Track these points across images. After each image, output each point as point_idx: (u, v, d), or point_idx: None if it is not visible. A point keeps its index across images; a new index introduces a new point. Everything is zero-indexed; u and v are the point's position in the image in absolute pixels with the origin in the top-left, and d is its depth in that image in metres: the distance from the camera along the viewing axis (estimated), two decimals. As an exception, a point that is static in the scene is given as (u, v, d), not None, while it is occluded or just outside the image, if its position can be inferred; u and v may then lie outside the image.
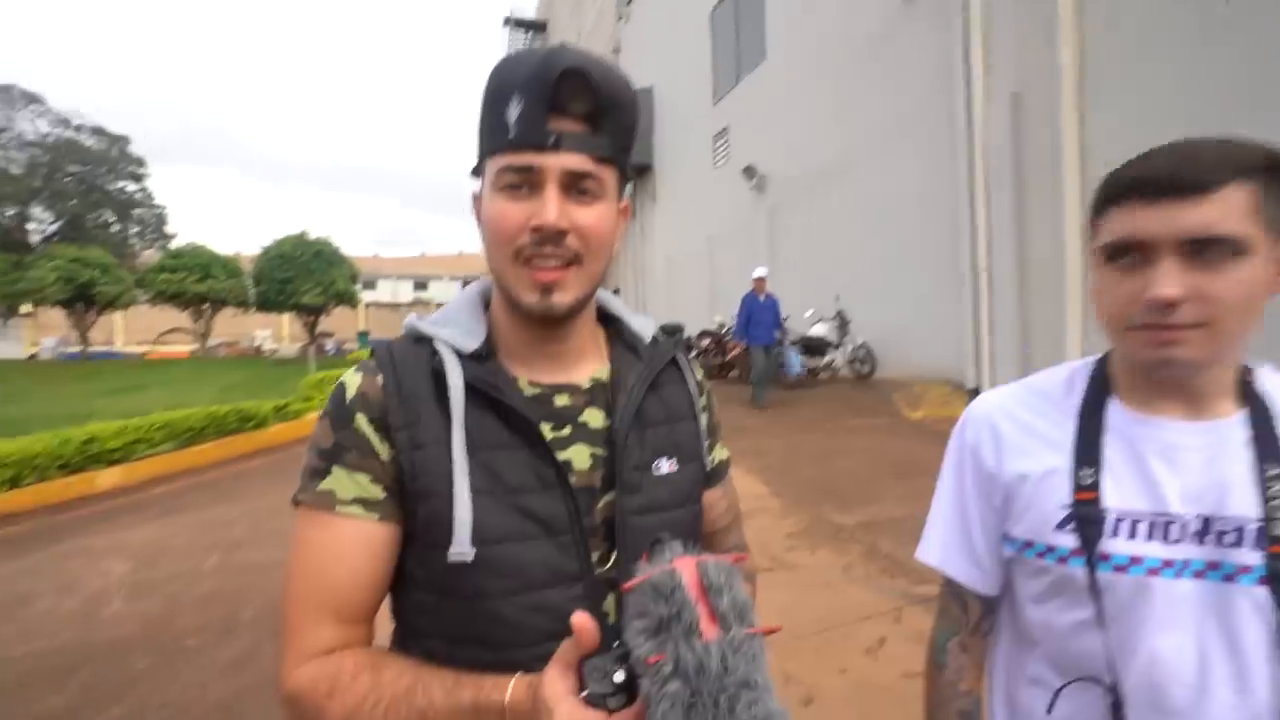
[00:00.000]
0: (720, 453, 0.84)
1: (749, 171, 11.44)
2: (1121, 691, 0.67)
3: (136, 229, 31.45)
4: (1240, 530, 0.64)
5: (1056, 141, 5.78)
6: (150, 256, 29.21)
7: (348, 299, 22.17)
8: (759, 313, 7.96)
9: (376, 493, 0.65)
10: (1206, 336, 0.62)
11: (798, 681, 2.34)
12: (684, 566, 0.51)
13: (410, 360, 0.68)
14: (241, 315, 26.17)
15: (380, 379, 0.67)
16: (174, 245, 27.05)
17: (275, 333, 35.71)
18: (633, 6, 18.38)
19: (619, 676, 0.52)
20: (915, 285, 7.84)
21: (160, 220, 32.33)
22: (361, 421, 0.65)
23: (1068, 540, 0.69)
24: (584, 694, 0.52)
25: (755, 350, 7.96)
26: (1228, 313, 0.62)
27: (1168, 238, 0.62)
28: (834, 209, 9.51)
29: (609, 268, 0.72)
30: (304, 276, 20.91)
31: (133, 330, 33.76)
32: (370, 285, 40.97)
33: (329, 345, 30.14)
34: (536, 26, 29.29)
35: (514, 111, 0.63)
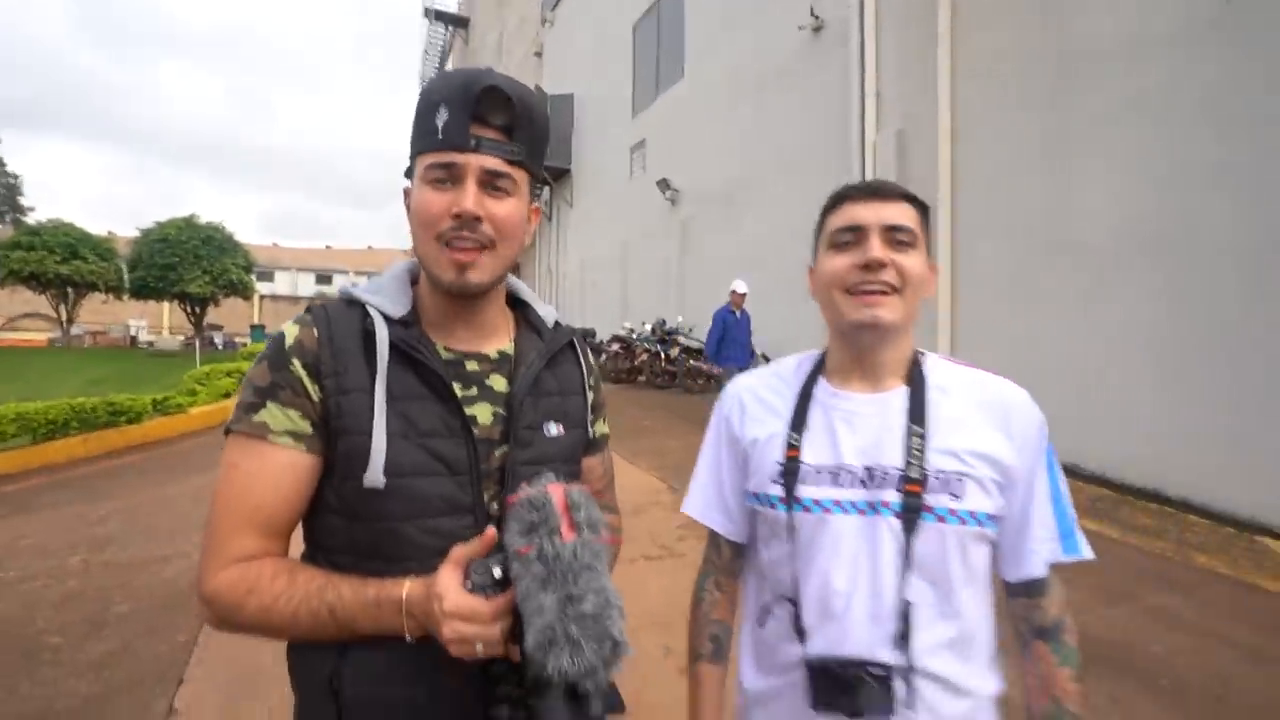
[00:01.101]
0: (602, 428, 0.99)
1: (663, 184, 11.79)
2: (801, 605, 0.85)
3: (-21, 199, 27.95)
4: (888, 475, 0.83)
5: (933, 174, 6.43)
6: (2, 232, 26.05)
7: (241, 290, 20.60)
8: (735, 330, 7.23)
9: (305, 427, 0.75)
10: (899, 301, 0.84)
11: (678, 654, 2.55)
12: (554, 489, 0.67)
13: (343, 320, 0.79)
14: (113, 302, 23.80)
15: (316, 331, 0.77)
16: (33, 220, 24.23)
17: (152, 323, 32.73)
18: (557, 11, 18.47)
19: (497, 572, 0.66)
20: (811, 303, 8.40)
21: (12, 190, 28.85)
22: (296, 366, 0.75)
23: (777, 489, 0.88)
24: (468, 583, 0.67)
25: (729, 373, 6.98)
26: (911, 283, 0.85)
27: (875, 223, 0.86)
28: (743, 226, 10.00)
29: (518, 257, 0.85)
30: (190, 263, 19.27)
31: (-24, 313, 29.95)
32: (267, 276, 38.31)
33: (217, 338, 27.94)
34: (458, 21, 28.68)
35: (441, 119, 0.75)
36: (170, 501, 4.98)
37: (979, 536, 0.83)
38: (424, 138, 0.77)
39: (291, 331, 0.77)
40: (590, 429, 0.94)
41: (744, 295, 7.28)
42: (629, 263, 13.55)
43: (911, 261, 0.85)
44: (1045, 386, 5.78)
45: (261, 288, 26.27)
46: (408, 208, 0.81)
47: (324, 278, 45.90)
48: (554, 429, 0.87)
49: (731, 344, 7.22)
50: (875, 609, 0.81)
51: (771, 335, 8.96)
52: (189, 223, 20.02)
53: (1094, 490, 4.80)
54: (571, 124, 17.02)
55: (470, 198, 0.75)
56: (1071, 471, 5.00)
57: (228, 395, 9.01)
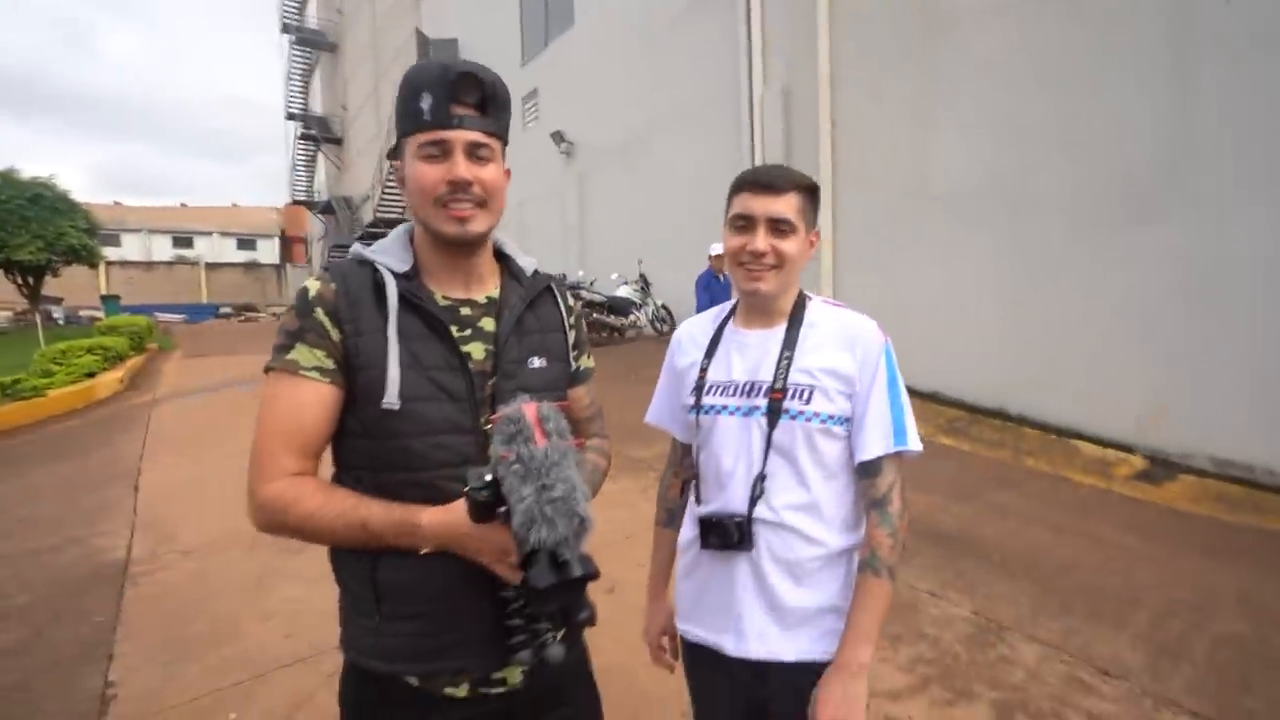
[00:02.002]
0: (586, 362, 1.15)
1: (557, 137, 11.63)
2: (701, 480, 1.20)
3: None
4: (762, 387, 1.14)
5: (815, 130, 6.87)
6: None
7: (85, 256, 18.16)
8: (720, 295, 6.69)
9: (329, 364, 0.90)
10: (776, 276, 1.13)
11: (605, 577, 2.83)
12: (528, 407, 0.82)
13: (355, 275, 0.94)
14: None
15: (334, 285, 0.92)
16: None
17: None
18: (433, -53, 17.24)
19: (488, 477, 0.79)
20: (705, 254, 8.77)
21: None
22: (319, 313, 0.90)
23: (691, 400, 1.21)
24: (466, 489, 0.80)
25: None
26: (788, 263, 1.13)
27: (762, 215, 1.11)
28: (637, 179, 10.13)
29: (501, 212, 1.00)
30: (16, 226, 16.66)
31: None
32: (112, 240, 33.90)
33: (56, 312, 24.60)
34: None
35: (426, 103, 0.90)
36: (41, 490, 4.62)
37: (824, 432, 1.12)
38: (411, 120, 0.92)
39: (314, 286, 0.92)
40: (574, 362, 1.10)
41: (722, 257, 7.25)
42: (526, 215, 13.36)
43: (789, 245, 1.12)
44: (912, 322, 6.48)
45: (107, 253, 23.18)
46: (400, 181, 0.97)
47: (183, 239, 41.28)
48: (537, 362, 1.02)
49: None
50: (747, 480, 1.14)
51: (669, 287, 9.29)
52: (7, 178, 17.13)
53: (953, 413, 5.55)
54: (457, 71, 16.19)
55: (461, 166, 0.90)
56: (934, 397, 5.74)
57: (91, 375, 8.20)
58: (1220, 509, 3.88)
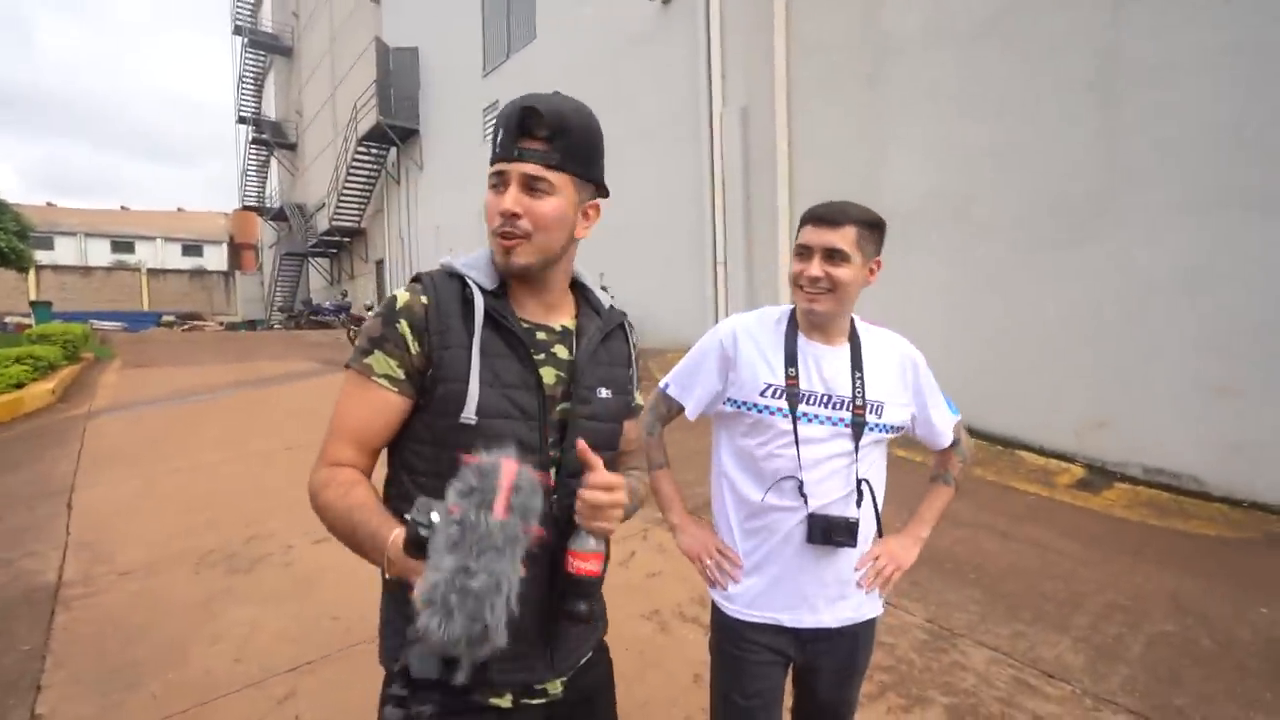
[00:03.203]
0: (640, 399, 1.21)
1: (521, 148, 11.58)
2: (801, 479, 1.30)
3: None
4: (842, 400, 1.32)
5: (772, 150, 7.04)
6: None
7: (15, 259, 17.19)
8: None
9: (399, 374, 0.93)
10: (830, 299, 1.28)
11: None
12: (508, 464, 0.69)
13: (447, 289, 0.97)
14: None
15: (425, 299, 0.95)
16: None
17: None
18: (394, -46, 17.08)
19: (435, 517, 0.69)
20: (668, 267, 8.87)
21: None
22: (403, 324, 0.94)
23: (775, 402, 1.31)
24: (407, 517, 0.71)
25: None
26: (841, 287, 1.28)
27: (819, 246, 1.28)
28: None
29: (564, 246, 1.00)
30: (-62, 229, 15.70)
31: None
32: (45, 243, 32.15)
33: (-22, 320, 23.09)
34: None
35: (499, 136, 0.95)
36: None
37: (888, 441, 1.39)
38: (491, 151, 0.97)
39: (403, 298, 0.96)
40: (633, 396, 1.16)
41: None
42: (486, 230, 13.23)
43: (842, 272, 1.27)
44: (865, 338, 6.69)
45: (39, 257, 21.96)
46: None
47: (123, 244, 39.41)
48: (604, 392, 1.05)
49: None
50: (846, 485, 1.32)
51: (629, 295, 9.35)
52: (-70, 179, 16.19)
53: (903, 423, 5.72)
54: (417, 82, 16.03)
55: (509, 198, 0.94)
56: (887, 409, 5.91)
57: (20, 385, 7.74)
58: (1151, 515, 4.10)
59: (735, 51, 7.61)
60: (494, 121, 0.97)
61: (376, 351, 0.93)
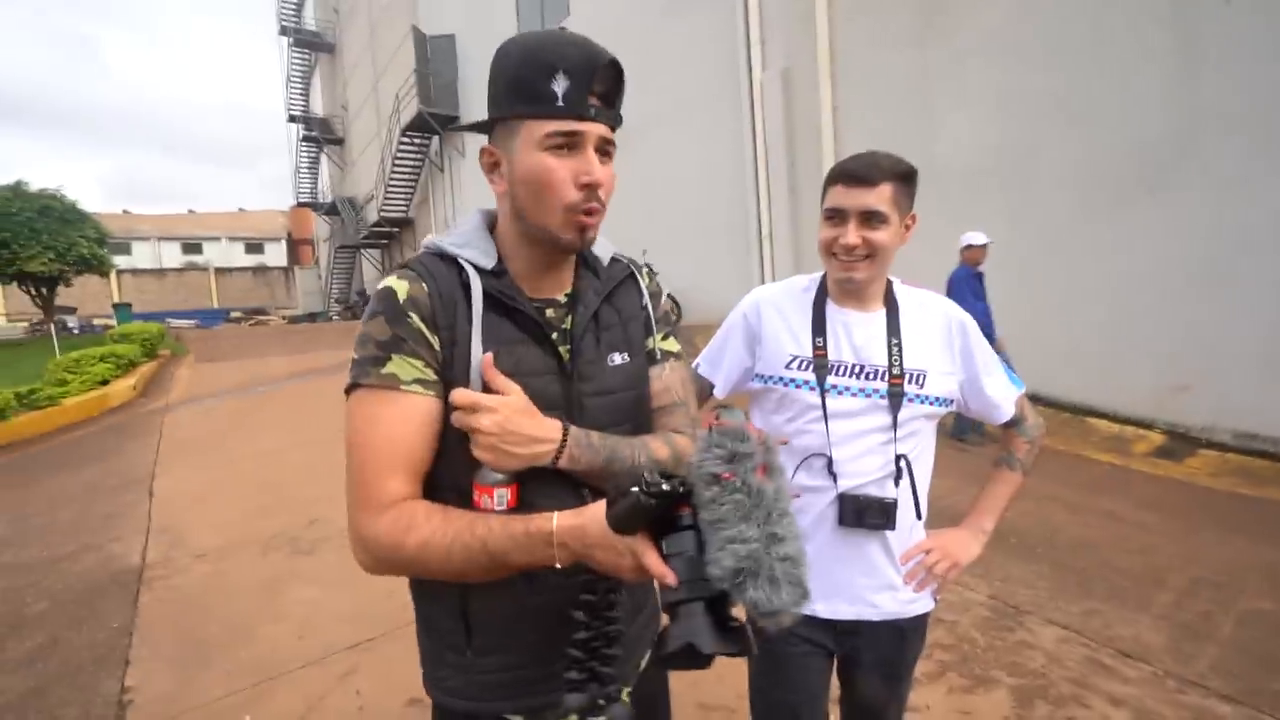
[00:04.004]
0: (665, 343, 0.99)
1: (559, 129, 11.54)
2: (831, 456, 1.19)
3: None
4: (877, 370, 1.19)
5: (816, 114, 6.77)
6: None
7: (96, 265, 18.37)
8: (981, 293, 4.81)
9: (430, 375, 0.79)
10: (869, 264, 1.16)
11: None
12: (752, 429, 0.67)
13: (444, 274, 0.83)
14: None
15: (425, 286, 0.81)
16: None
17: (-12, 310, 28.66)
18: (428, -58, 17.13)
19: (667, 485, 0.64)
20: (710, 240, 8.71)
21: None
22: (414, 319, 0.79)
23: (801, 375, 1.21)
24: (638, 490, 0.64)
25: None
26: (880, 252, 1.15)
27: (854, 209, 1.14)
28: (639, 168, 10.05)
29: None
30: (27, 238, 16.85)
31: None
32: (123, 249, 34.22)
33: (71, 322, 24.87)
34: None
35: (561, 86, 0.76)
36: (60, 498, 4.67)
37: (932, 415, 1.23)
38: (538, 103, 0.78)
39: (401, 287, 0.81)
40: (650, 346, 0.97)
41: (984, 249, 4.81)
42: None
43: (880, 235, 1.15)
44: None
45: (118, 261, 23.39)
46: (488, 167, 0.86)
47: (192, 246, 41.57)
48: (618, 358, 0.91)
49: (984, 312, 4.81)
50: (883, 463, 1.19)
51: (672, 271, 9.24)
52: (17, 191, 17.32)
53: (963, 393, 5.48)
54: (455, 69, 16.13)
55: (596, 165, 0.80)
56: (944, 379, 5.67)
57: (105, 382, 8.28)
58: (1242, 483, 3.81)
59: (774, 14, 7.32)
60: (546, 64, 0.78)
61: (394, 357, 0.78)
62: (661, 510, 0.65)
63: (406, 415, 0.78)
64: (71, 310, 25.78)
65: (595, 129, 0.80)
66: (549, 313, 0.88)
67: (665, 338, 1.00)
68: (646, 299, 0.98)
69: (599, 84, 0.79)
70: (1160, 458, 4.21)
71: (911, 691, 2.13)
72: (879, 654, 1.26)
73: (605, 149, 0.82)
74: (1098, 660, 2.27)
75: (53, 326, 15.76)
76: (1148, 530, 3.27)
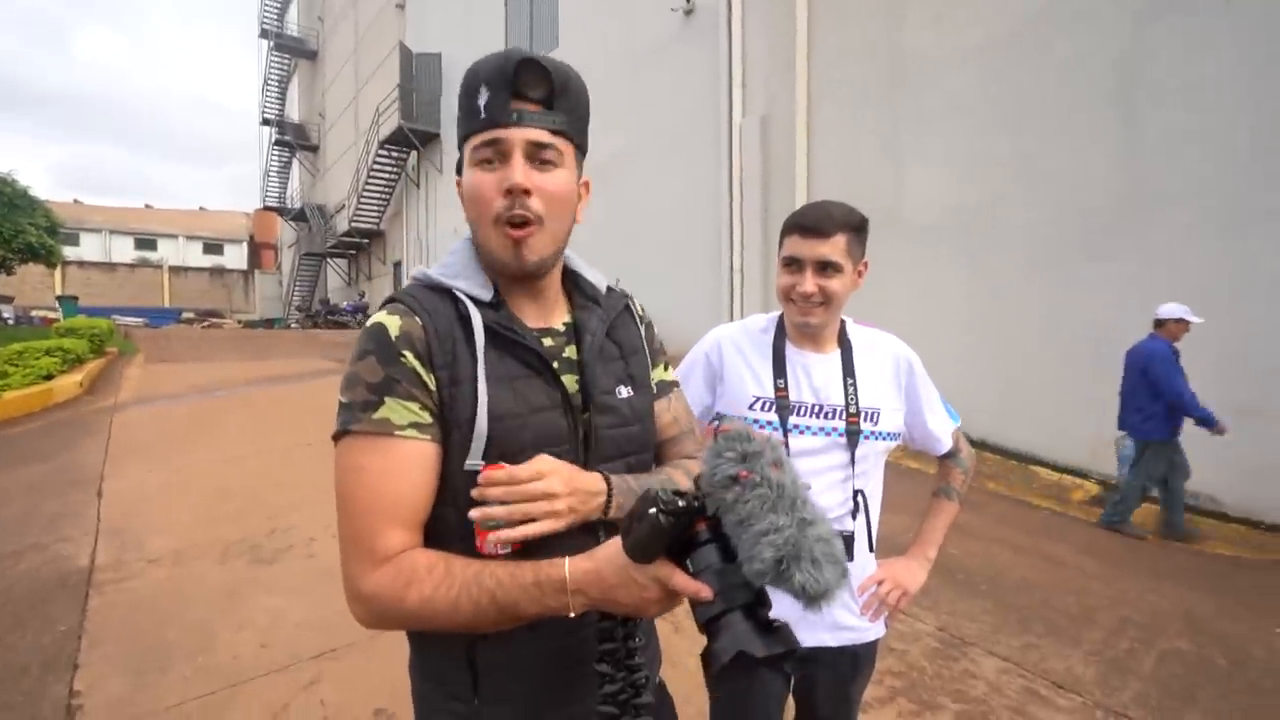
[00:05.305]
0: (664, 373, 0.99)
1: (540, 154, 11.70)
2: None
3: None
4: (835, 409, 1.26)
5: (791, 160, 7.10)
6: None
7: (45, 255, 17.57)
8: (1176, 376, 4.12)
9: (426, 417, 0.74)
10: (824, 310, 1.23)
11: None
12: (757, 430, 0.69)
13: (440, 308, 0.78)
14: None
15: (419, 320, 0.76)
16: None
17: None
18: (420, -37, 17.38)
19: (681, 502, 0.64)
20: (684, 273, 8.93)
21: None
22: (409, 357, 0.74)
23: (764, 415, 1.26)
24: (653, 510, 0.63)
25: (1162, 451, 4.18)
26: (835, 299, 1.23)
27: (810, 259, 1.21)
28: (619, 199, 10.28)
29: (569, 232, 0.84)
30: (-28, 223, 16.07)
31: None
32: (71, 240, 32.80)
33: (6, 312, 23.59)
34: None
35: (483, 98, 0.76)
36: (1, 495, 4.47)
37: (886, 448, 1.31)
38: (469, 120, 0.79)
39: (393, 323, 0.76)
40: (652, 387, 0.95)
41: (1182, 322, 4.22)
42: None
43: (835, 284, 1.22)
44: (881, 349, 6.76)
45: (65, 252, 22.36)
46: (461, 197, 0.84)
47: (146, 241, 40.08)
48: (624, 392, 0.88)
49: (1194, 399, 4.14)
50: (841, 499, 1.26)
51: (645, 300, 9.37)
52: (-35, 174, 16.61)
53: (917, 435, 5.73)
54: (440, 86, 16.27)
55: (518, 170, 0.76)
56: (901, 421, 5.93)
57: (49, 377, 7.94)
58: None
59: (756, 62, 7.69)
60: (474, 83, 0.78)
61: (387, 400, 0.73)
62: (679, 530, 0.65)
63: (403, 463, 0.73)
64: (9, 300, 24.48)
65: (519, 134, 0.76)
66: (547, 342, 0.85)
67: (665, 368, 1.00)
68: (643, 330, 0.97)
69: (525, 87, 0.76)
70: (1095, 506, 4.49)
71: (862, 714, 2.25)
72: (835, 678, 1.32)
73: (542, 155, 0.78)
74: (1034, 690, 2.43)
75: (-9, 316, 14.95)
76: (1082, 573, 3.49)
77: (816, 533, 0.62)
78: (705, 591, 0.64)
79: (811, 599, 0.61)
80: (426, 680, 0.84)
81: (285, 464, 5.07)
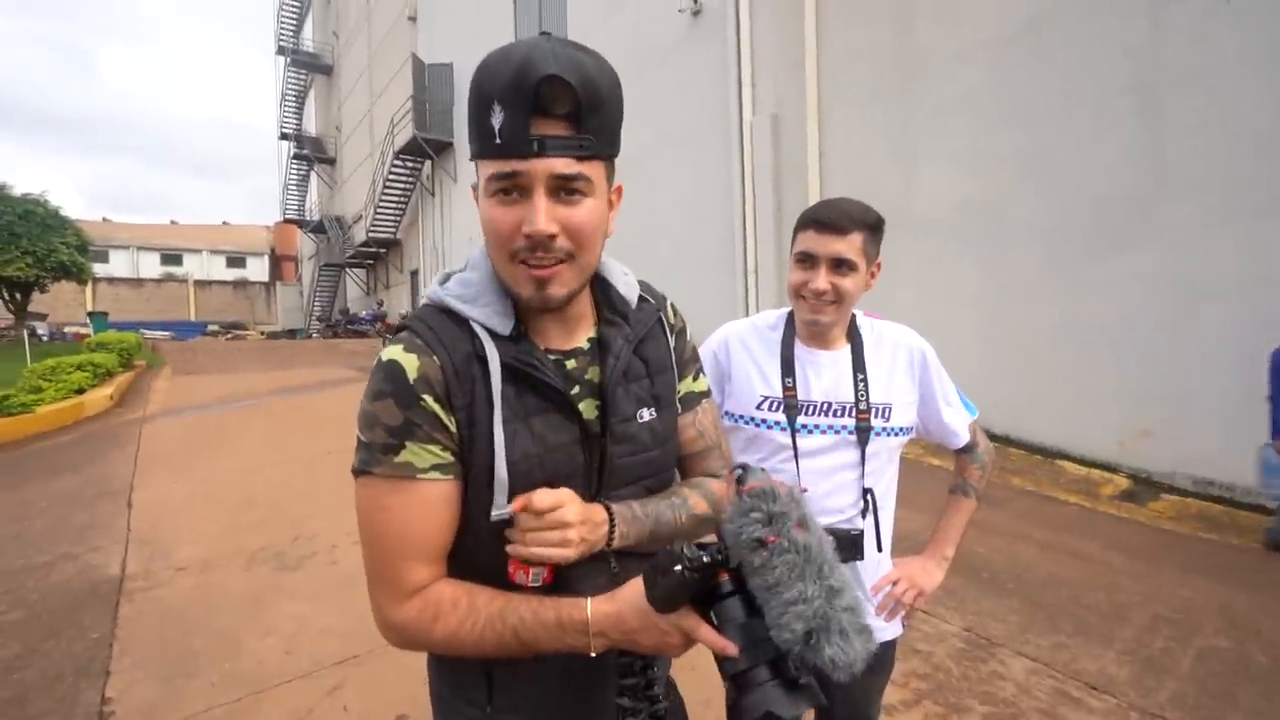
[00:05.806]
0: (694, 384, 0.93)
1: (553, 159, 11.77)
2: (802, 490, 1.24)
3: None
4: (844, 406, 1.24)
5: (802, 158, 7.05)
6: None
7: (75, 273, 18.07)
8: None
9: (447, 458, 0.73)
10: (835, 309, 1.21)
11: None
12: (779, 484, 0.68)
13: (457, 341, 0.74)
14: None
15: (437, 359, 0.72)
16: None
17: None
18: (431, -26, 17.58)
19: (705, 558, 0.64)
20: (697, 273, 8.90)
21: None
22: (429, 401, 0.71)
23: (772, 416, 1.24)
24: (678, 567, 0.63)
25: None
26: (847, 297, 1.20)
27: (824, 256, 1.19)
28: (630, 200, 10.25)
29: (602, 251, 0.79)
30: (6, 243, 16.59)
31: None
32: (101, 257, 33.66)
33: (41, 329, 24.28)
34: (317, -25, 26.38)
35: (497, 120, 0.66)
36: (33, 506, 4.59)
37: (899, 443, 1.29)
38: (481, 141, 0.69)
39: (410, 363, 0.72)
40: (676, 405, 0.89)
41: None
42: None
43: (848, 282, 1.19)
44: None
45: (95, 269, 22.98)
46: (479, 215, 0.78)
47: (172, 257, 41.06)
48: (646, 414, 0.83)
49: None
50: (852, 497, 1.25)
51: (664, 308, 9.38)
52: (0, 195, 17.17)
53: (939, 432, 5.65)
54: (452, 96, 16.42)
55: (541, 215, 0.68)
56: (922, 418, 5.84)
57: (80, 391, 8.14)
58: (1202, 527, 3.98)
59: (765, 61, 7.65)
60: (485, 94, 0.68)
61: (408, 445, 0.71)
62: (703, 583, 0.65)
63: (425, 505, 0.73)
64: (42, 317, 25.18)
65: (541, 167, 0.67)
66: (569, 364, 0.80)
67: (695, 378, 0.94)
68: (672, 343, 0.89)
69: (547, 104, 0.66)
70: (1125, 500, 4.39)
71: (889, 717, 2.21)
72: (851, 681, 1.32)
73: (569, 187, 0.69)
74: (1065, 692, 2.37)
75: (25, 333, 15.42)
76: (1113, 569, 3.40)
77: (844, 603, 0.62)
78: (731, 648, 0.64)
79: (839, 669, 0.61)
80: (442, 681, 0.86)
81: (307, 472, 5.14)
